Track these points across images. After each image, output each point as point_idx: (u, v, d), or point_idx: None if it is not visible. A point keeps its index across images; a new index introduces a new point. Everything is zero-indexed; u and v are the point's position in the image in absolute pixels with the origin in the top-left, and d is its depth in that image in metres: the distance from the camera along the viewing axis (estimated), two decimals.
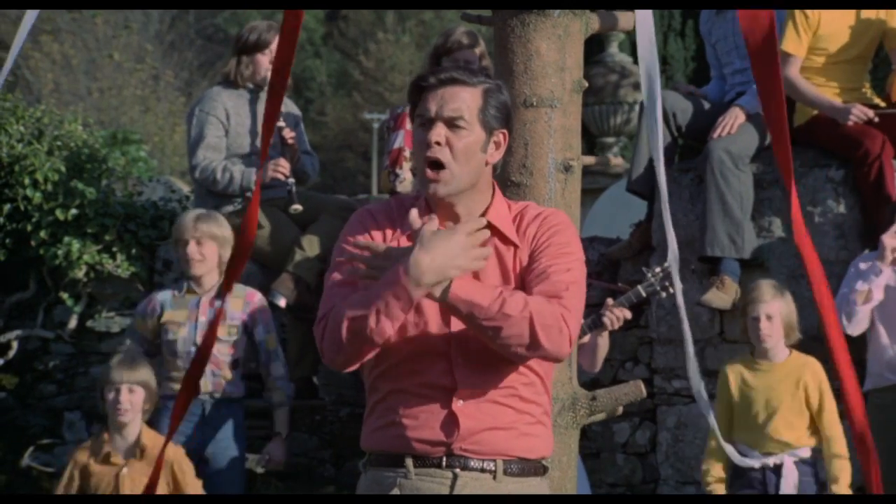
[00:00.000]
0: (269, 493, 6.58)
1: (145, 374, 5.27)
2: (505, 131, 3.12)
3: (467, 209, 3.09)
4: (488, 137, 3.09)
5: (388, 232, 3.12)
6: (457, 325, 3.00)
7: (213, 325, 4.35)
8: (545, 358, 3.00)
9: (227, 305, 5.80)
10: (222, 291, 4.44)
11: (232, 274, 4.37)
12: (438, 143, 3.02)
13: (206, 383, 5.75)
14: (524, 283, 3.05)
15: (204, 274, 5.83)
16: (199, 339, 5.69)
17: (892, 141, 5.97)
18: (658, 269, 5.52)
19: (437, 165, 3.03)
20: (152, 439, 5.23)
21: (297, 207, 6.45)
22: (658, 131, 4.02)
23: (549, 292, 2.98)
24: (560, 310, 2.96)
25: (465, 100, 3.06)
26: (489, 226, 3.06)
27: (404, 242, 3.05)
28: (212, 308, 5.76)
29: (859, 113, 6.00)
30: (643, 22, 3.92)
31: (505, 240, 3.10)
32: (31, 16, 4.27)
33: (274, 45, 6.67)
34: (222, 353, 5.77)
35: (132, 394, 5.20)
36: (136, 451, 5.17)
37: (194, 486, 5.29)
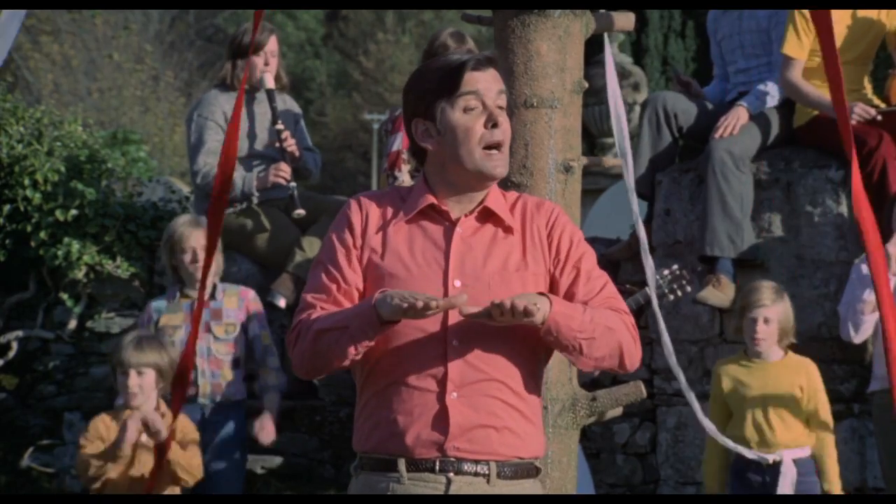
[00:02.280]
0: (269, 494, 6.58)
1: (154, 355, 5.27)
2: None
3: (477, 195, 3.10)
4: None
5: (385, 216, 3.10)
6: (454, 310, 2.97)
7: (194, 326, 4.34)
8: (622, 370, 3.09)
9: (223, 305, 5.82)
10: (198, 297, 4.42)
11: (204, 275, 4.38)
12: (502, 125, 3.04)
13: (206, 385, 5.74)
14: (552, 278, 3.08)
15: (200, 279, 5.81)
16: (198, 341, 5.69)
17: (894, 141, 5.98)
18: (666, 272, 5.52)
19: (495, 147, 3.04)
20: (168, 417, 5.23)
21: (301, 212, 6.46)
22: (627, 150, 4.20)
23: (612, 306, 3.06)
24: (630, 321, 3.07)
25: (502, 81, 3.10)
26: (488, 210, 3.08)
27: (399, 230, 3.06)
28: (207, 309, 5.76)
29: (862, 112, 6.01)
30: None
31: (503, 226, 3.10)
32: (15, 15, 4.27)
33: (268, 46, 6.67)
34: (221, 352, 5.78)
35: (141, 377, 5.20)
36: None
37: (194, 453, 5.30)
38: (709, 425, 4.96)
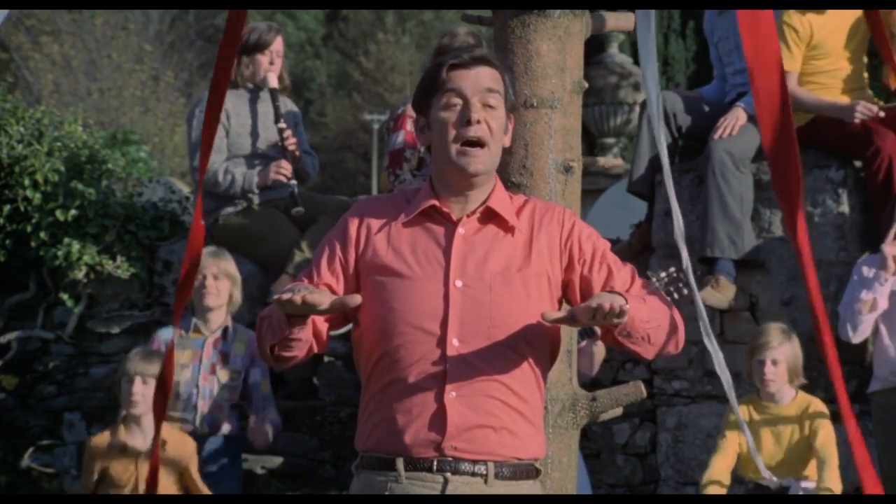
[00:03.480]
0: (269, 494, 6.58)
1: (160, 366, 5.27)
2: (512, 117, 3.17)
3: (476, 195, 3.10)
4: (507, 120, 3.12)
5: (388, 218, 3.12)
6: (454, 310, 2.99)
7: (168, 357, 4.30)
8: (675, 351, 3.14)
9: (231, 349, 5.76)
10: (176, 306, 4.38)
11: (187, 287, 4.34)
12: (479, 122, 3.04)
13: (204, 427, 5.69)
14: (582, 278, 3.09)
15: (214, 309, 5.78)
16: (201, 382, 5.67)
17: None
18: (663, 274, 5.52)
19: (475, 144, 3.04)
20: (170, 432, 5.24)
21: (300, 209, 6.46)
22: (661, 136, 4.14)
23: (649, 291, 3.11)
24: (668, 301, 3.14)
25: (496, 80, 3.09)
26: (490, 211, 3.09)
27: (401, 231, 3.07)
28: (215, 350, 5.72)
29: (864, 109, 6.01)
30: (643, 26, 3.97)
31: (506, 226, 3.10)
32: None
33: (274, 46, 6.68)
34: (223, 397, 5.72)
35: (146, 385, 5.20)
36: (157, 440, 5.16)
37: (198, 481, 5.30)
38: (743, 424, 4.98)
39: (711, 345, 4.43)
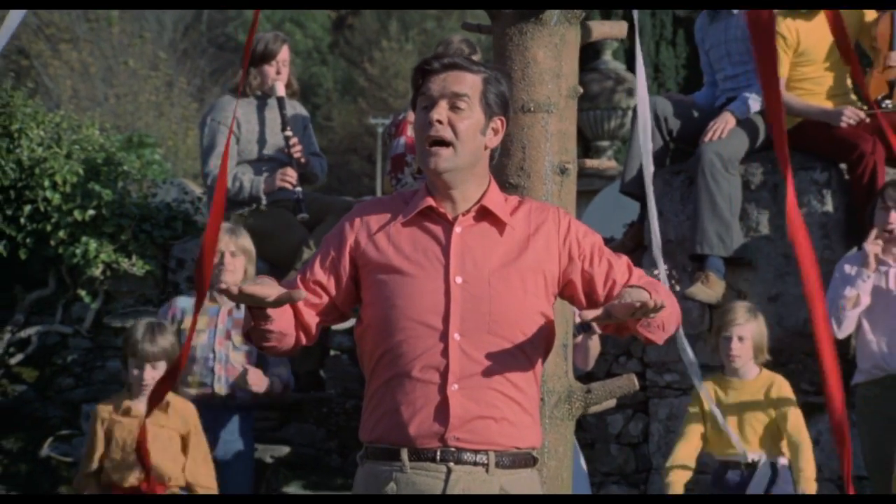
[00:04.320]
0: (278, 483, 6.57)
1: (166, 344, 5.26)
2: (503, 118, 3.12)
3: (463, 194, 3.09)
4: (487, 122, 3.09)
5: (387, 219, 3.11)
6: (455, 305, 2.99)
7: (187, 341, 4.29)
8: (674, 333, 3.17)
9: (244, 314, 5.75)
10: (196, 304, 4.38)
11: (203, 283, 4.33)
12: (440, 122, 3.03)
13: (221, 389, 5.70)
14: (582, 271, 3.10)
15: (231, 284, 5.77)
16: (217, 347, 5.68)
17: (881, 141, 5.98)
18: (655, 272, 5.50)
19: (439, 143, 3.04)
20: (174, 397, 5.25)
21: (305, 216, 6.46)
22: (648, 137, 4.16)
23: (648, 279, 3.12)
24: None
25: (467, 82, 3.07)
26: (485, 210, 3.08)
27: (401, 231, 3.07)
28: (230, 317, 5.73)
29: (851, 114, 6.01)
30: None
31: (500, 224, 3.09)
32: (17, 15, 4.26)
33: (280, 56, 6.67)
34: (238, 360, 5.73)
35: (155, 370, 5.21)
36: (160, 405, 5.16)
37: (199, 445, 5.31)
38: (715, 409, 4.99)
39: (682, 343, 4.49)
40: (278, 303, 2.92)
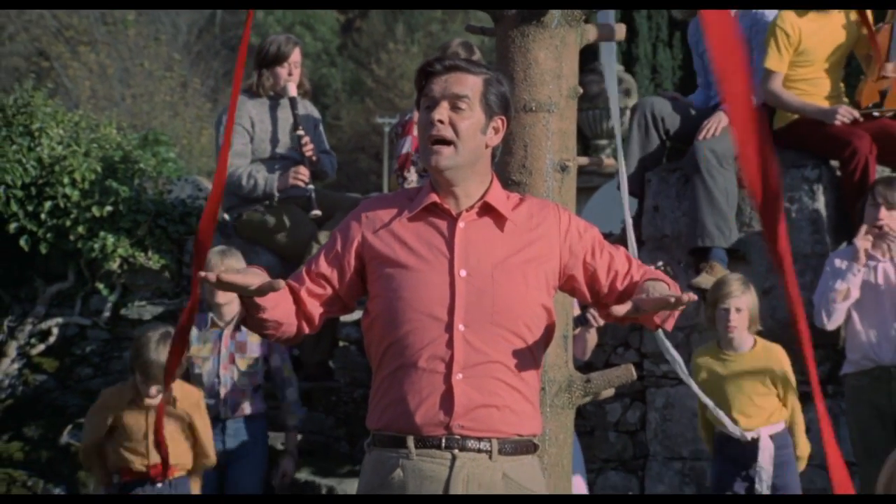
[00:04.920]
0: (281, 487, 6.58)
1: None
2: (504, 118, 3.13)
3: (466, 191, 3.09)
4: (488, 121, 3.09)
5: (392, 215, 3.12)
6: (460, 298, 2.99)
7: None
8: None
9: (247, 339, 5.72)
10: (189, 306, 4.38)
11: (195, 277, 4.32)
12: (441, 121, 3.04)
13: (227, 412, 5.68)
14: (585, 264, 3.13)
15: (225, 304, 5.74)
16: (222, 372, 5.66)
17: (873, 141, 5.98)
18: (660, 264, 5.51)
19: (441, 142, 3.04)
20: (180, 388, 5.25)
21: (317, 213, 6.47)
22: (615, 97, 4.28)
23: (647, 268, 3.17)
24: None
25: (468, 83, 3.07)
26: (488, 206, 3.09)
27: (406, 226, 3.08)
28: (232, 340, 5.71)
29: (846, 113, 6.01)
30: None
31: (503, 219, 3.10)
32: None
33: (292, 58, 6.68)
34: (244, 383, 5.72)
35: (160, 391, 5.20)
36: (168, 398, 5.15)
37: (206, 432, 5.31)
38: (707, 401, 5.01)
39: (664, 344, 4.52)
40: (260, 292, 2.93)
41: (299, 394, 5.93)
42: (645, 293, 2.95)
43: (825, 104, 6.20)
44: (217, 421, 5.59)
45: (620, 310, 2.90)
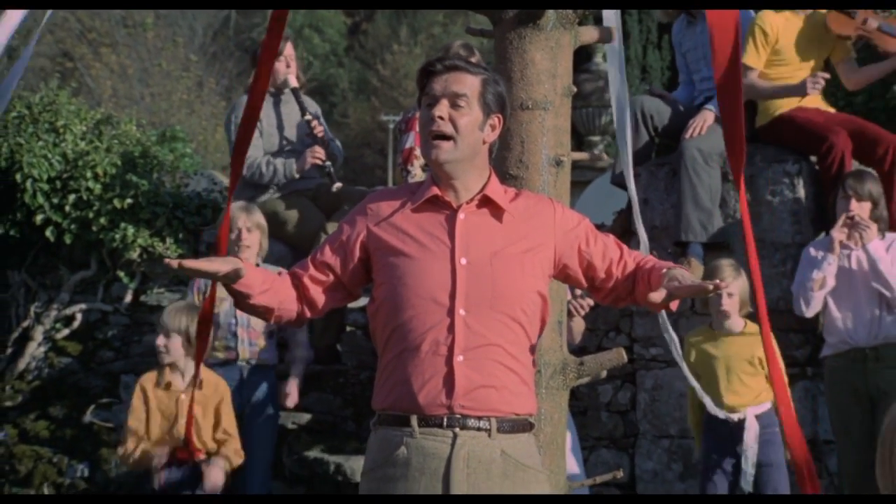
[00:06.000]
0: (300, 447, 6.58)
1: (185, 321, 5.28)
2: (500, 116, 3.13)
3: (465, 184, 3.09)
4: (485, 119, 3.09)
5: (396, 207, 3.12)
6: (461, 284, 2.99)
7: (210, 296, 4.28)
8: None
9: None
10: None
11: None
12: (441, 118, 3.04)
13: (245, 351, 5.75)
14: (580, 252, 3.15)
15: (249, 257, 5.80)
16: (238, 312, 5.69)
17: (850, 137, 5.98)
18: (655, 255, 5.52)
19: (441, 137, 3.05)
20: (206, 373, 5.32)
21: (339, 185, 6.52)
22: (628, 142, 4.25)
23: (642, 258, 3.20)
24: None
25: (467, 83, 3.08)
26: (487, 198, 3.09)
27: (409, 217, 3.08)
28: None
29: (815, 81, 5.98)
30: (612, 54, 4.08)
31: (501, 211, 3.10)
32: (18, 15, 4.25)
33: (287, 52, 6.68)
34: (257, 324, 5.77)
35: (168, 339, 5.29)
36: (195, 381, 5.18)
37: (229, 421, 5.35)
38: (694, 383, 5.01)
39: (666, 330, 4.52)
40: (227, 279, 2.96)
41: (308, 338, 6.03)
42: (675, 281, 2.99)
43: (805, 104, 6.16)
44: (232, 364, 5.67)
45: (657, 297, 3.00)
